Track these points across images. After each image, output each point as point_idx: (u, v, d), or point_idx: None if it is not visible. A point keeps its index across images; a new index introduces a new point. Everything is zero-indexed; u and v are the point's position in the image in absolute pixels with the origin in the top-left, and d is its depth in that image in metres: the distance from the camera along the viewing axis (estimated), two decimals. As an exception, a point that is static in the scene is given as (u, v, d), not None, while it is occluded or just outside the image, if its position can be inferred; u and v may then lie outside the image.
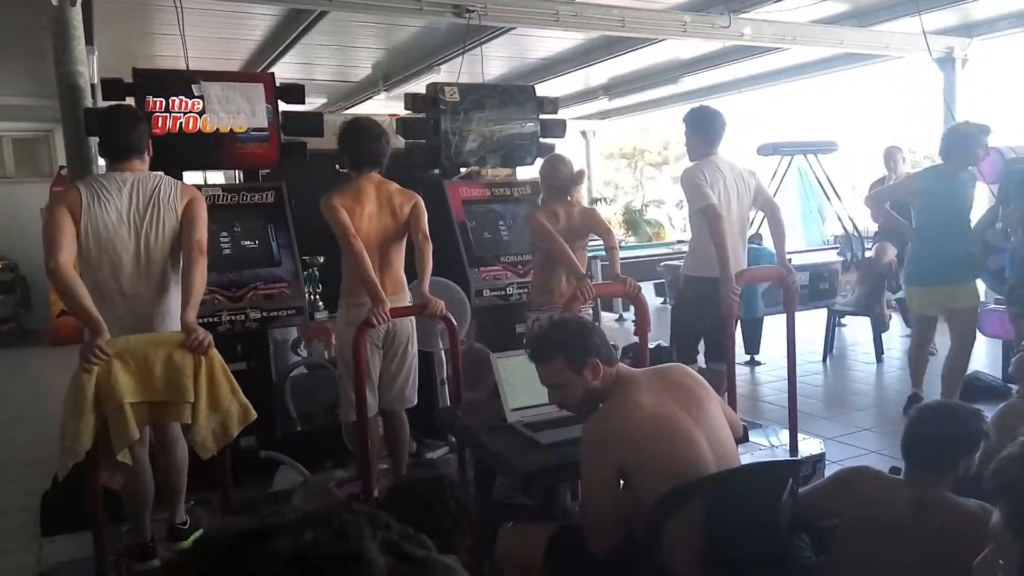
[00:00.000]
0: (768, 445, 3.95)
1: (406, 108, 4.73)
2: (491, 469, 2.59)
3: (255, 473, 3.78)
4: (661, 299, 8.82)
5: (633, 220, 13.48)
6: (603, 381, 2.06)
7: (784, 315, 4.06)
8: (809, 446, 3.85)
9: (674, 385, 2.07)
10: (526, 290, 4.26)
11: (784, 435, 3.95)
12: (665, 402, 2.00)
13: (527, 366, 2.51)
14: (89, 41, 6.36)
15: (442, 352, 4.01)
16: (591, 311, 3.80)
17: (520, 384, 2.57)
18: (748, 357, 6.26)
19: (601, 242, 4.08)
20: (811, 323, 6.41)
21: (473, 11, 5.21)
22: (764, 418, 4.73)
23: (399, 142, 4.73)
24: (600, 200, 13.84)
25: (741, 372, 6.00)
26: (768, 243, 5.63)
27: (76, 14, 4.29)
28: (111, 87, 3.99)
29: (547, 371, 2.11)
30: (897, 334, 6.95)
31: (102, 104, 4.23)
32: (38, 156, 10.07)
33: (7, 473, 4.54)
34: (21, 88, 8.55)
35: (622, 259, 3.88)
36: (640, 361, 3.41)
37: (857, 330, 7.14)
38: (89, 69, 6.87)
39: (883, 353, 6.26)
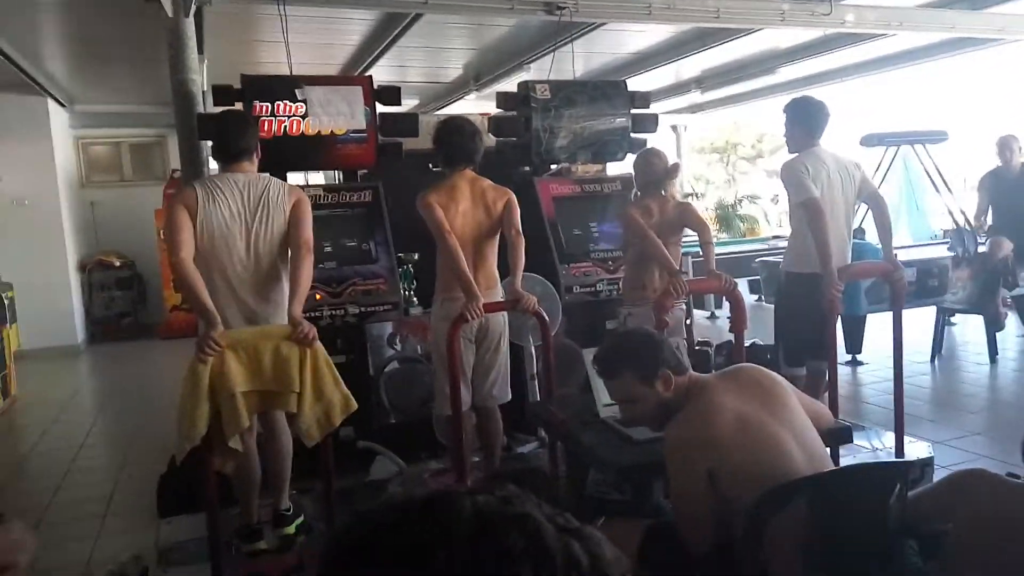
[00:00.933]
0: (871, 448, 3.80)
1: (498, 106, 4.78)
2: (584, 464, 2.60)
3: (353, 463, 3.92)
4: (756, 296, 8.60)
5: (726, 216, 13.17)
6: (675, 392, 2.03)
7: (888, 313, 3.89)
8: (916, 449, 3.68)
9: (751, 385, 2.02)
10: (616, 286, 4.23)
11: (889, 438, 3.80)
12: (745, 403, 1.96)
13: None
14: (200, 50, 6.74)
15: (532, 347, 4.04)
16: (683, 308, 3.74)
17: (613, 380, 2.56)
18: (849, 357, 6.02)
19: (695, 237, 4.00)
20: (918, 322, 6.10)
21: (564, 8, 5.21)
22: (867, 420, 4.54)
23: (491, 141, 4.80)
24: (692, 195, 13.59)
25: (842, 372, 5.76)
26: (872, 237, 5.40)
27: (189, 24, 4.53)
28: (221, 93, 4.20)
29: (616, 386, 2.09)
30: (1013, 333, 6.54)
31: (212, 110, 4.48)
32: (152, 160, 10.70)
33: (126, 457, 4.85)
34: (137, 96, 9.09)
35: (716, 255, 3.81)
36: (736, 359, 3.34)
37: (968, 329, 6.77)
38: (201, 76, 7.34)
39: (997, 354, 5.90)
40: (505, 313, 3.37)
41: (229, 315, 2.80)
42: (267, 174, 3.04)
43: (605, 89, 4.87)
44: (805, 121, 3.81)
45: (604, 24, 6.18)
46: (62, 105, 9.31)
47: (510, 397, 3.49)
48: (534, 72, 7.56)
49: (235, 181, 2.88)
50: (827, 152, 3.78)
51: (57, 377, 7.81)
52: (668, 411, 2.03)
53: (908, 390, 4.15)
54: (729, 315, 3.36)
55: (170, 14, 4.42)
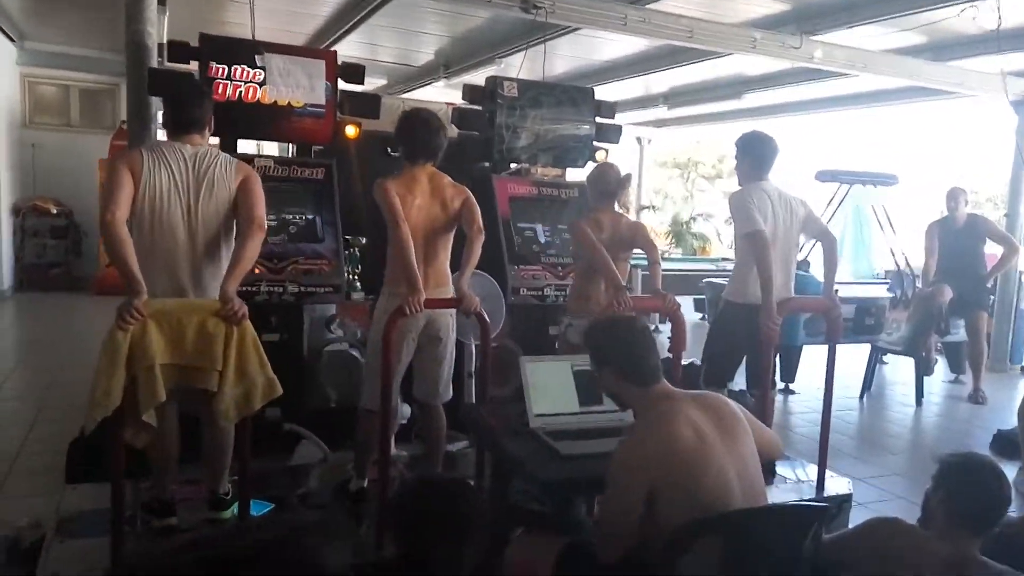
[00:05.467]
0: (795, 479, 3.85)
1: (463, 99, 4.71)
2: (508, 472, 2.56)
3: (277, 444, 3.82)
4: (700, 315, 8.71)
5: (679, 232, 13.32)
6: (634, 389, 2.07)
7: (824, 346, 3.95)
8: (837, 485, 3.74)
9: (712, 413, 2.02)
10: (564, 293, 4.21)
11: (812, 470, 3.85)
12: (703, 430, 1.95)
13: (556, 372, 2.49)
14: (162, 2, 6.51)
15: (473, 345, 3.99)
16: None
17: (546, 390, 2.54)
18: (783, 385, 6.13)
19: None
20: (852, 357, 6.26)
21: (541, 7, 5.17)
22: (793, 449, 4.61)
23: (453, 132, 4.73)
24: (648, 208, 13.71)
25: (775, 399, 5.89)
26: (817, 271, 5.51)
27: (151, -27, 4.35)
28: (177, 50, 4.03)
29: (601, 377, 2.17)
30: (940, 379, 6.75)
31: (168, 66, 4.31)
32: (102, 108, 10.30)
33: (39, 415, 4.64)
34: (91, 41, 8.74)
35: (664, 271, 3.82)
36: (672, 379, 3.34)
37: (899, 370, 6.96)
38: (160, 29, 7.06)
39: (923, 397, 6.08)
40: (454, 312, 3.30)
41: (159, 287, 2.68)
42: (217, 148, 2.93)
43: (572, 94, 4.84)
44: (754, 155, 3.85)
45: (578, 29, 6.16)
46: (11, 40, 8.90)
47: (451, 397, 3.42)
48: (505, 68, 7.50)
49: (183, 151, 2.77)
50: (773, 187, 3.84)
51: (-25, 323, 7.47)
52: (632, 399, 2.09)
53: (835, 424, 4.22)
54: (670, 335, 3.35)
55: (131, -40, 4.23)
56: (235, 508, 3.00)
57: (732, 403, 2.08)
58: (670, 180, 21.32)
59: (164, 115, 2.90)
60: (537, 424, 2.46)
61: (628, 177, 3.76)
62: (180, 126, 2.83)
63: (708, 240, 13.05)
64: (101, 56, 9.13)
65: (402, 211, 3.09)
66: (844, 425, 5.39)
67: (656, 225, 14.92)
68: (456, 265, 3.29)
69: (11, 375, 5.52)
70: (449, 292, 3.21)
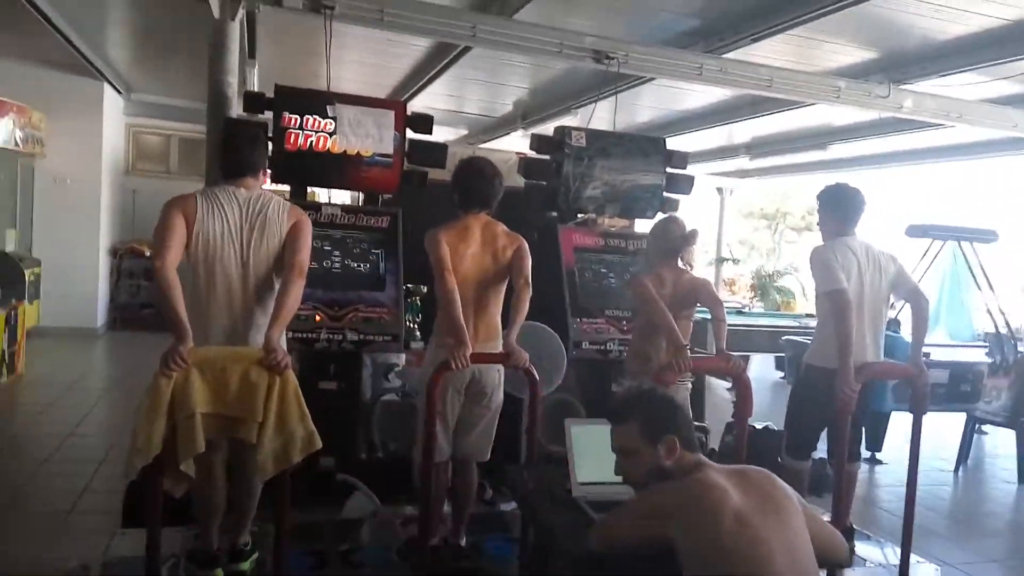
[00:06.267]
0: (874, 563, 3.53)
1: (531, 148, 4.69)
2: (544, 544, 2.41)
3: (329, 495, 3.77)
4: (781, 374, 8.32)
5: (763, 285, 12.86)
6: (676, 463, 1.91)
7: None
8: (923, 572, 3.41)
9: (756, 488, 1.84)
10: (627, 347, 4.05)
11: (895, 553, 3.52)
12: (747, 503, 1.78)
13: (604, 437, 2.33)
14: (251, 54, 6.82)
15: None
16: (688, 386, 3.54)
17: (593, 455, 2.38)
18: (869, 454, 5.72)
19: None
20: (948, 426, 5.79)
21: (613, 58, 5.12)
22: (877, 527, 4.26)
23: (519, 181, 4.69)
24: (728, 260, 13.32)
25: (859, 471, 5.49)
26: (907, 331, 5.14)
27: (234, 28, 4.53)
28: (252, 100, 4.18)
29: (620, 433, 2.01)
30: (1047, 453, 6.17)
31: (244, 115, 4.45)
32: (199, 156, 10.77)
33: (112, 454, 4.74)
34: (190, 92, 9.20)
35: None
36: (739, 445, 3.14)
37: (1000, 441, 6.40)
38: (250, 80, 7.40)
39: (1027, 473, 5.55)
40: (502, 367, 3.20)
41: (213, 330, 2.70)
42: (271, 192, 2.96)
43: (642, 144, 4.75)
44: (839, 209, 3.64)
45: (653, 79, 6.08)
46: (118, 91, 9.49)
47: (488, 458, 3.30)
48: (580, 118, 7.48)
49: (236, 196, 2.79)
50: (860, 242, 3.59)
51: (69, 358, 7.82)
52: (662, 478, 1.92)
53: (925, 500, 3.89)
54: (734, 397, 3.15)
55: (216, 15, 4.42)
56: (253, 560, 2.98)
57: (782, 483, 1.89)
58: (756, 231, 20.75)
59: (219, 159, 2.94)
60: (580, 492, 2.30)
61: (694, 233, 3.59)
62: (234, 170, 2.85)
63: (792, 295, 12.53)
64: (199, 107, 9.60)
65: (450, 262, 3.03)
66: (935, 501, 4.96)
67: (737, 277, 14.50)
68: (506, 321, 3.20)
69: (91, 412, 5.71)
70: (499, 346, 3.10)
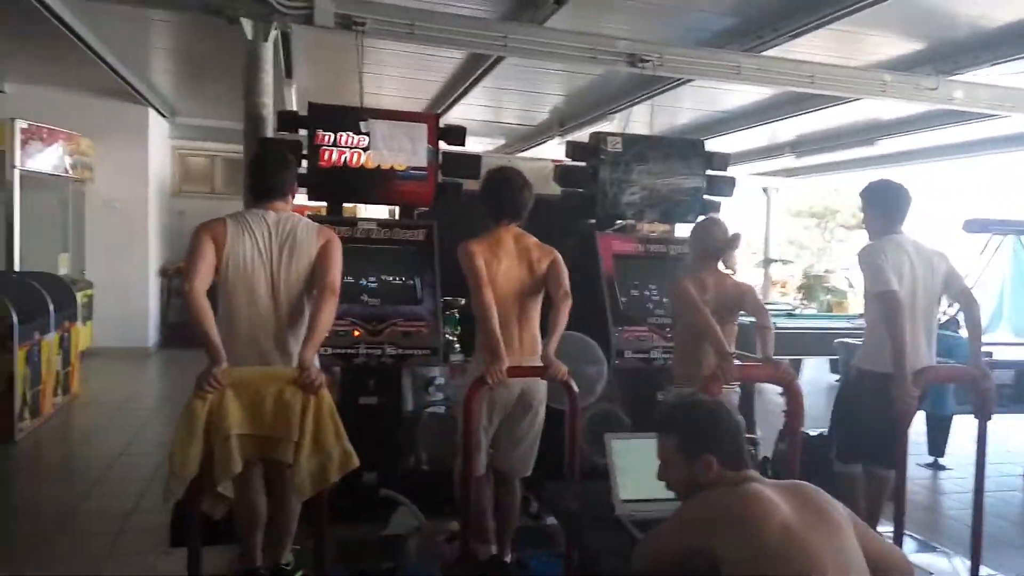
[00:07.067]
0: (943, 574, 3.36)
1: (567, 155, 4.63)
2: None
3: (372, 511, 3.75)
4: (836, 377, 8.07)
5: (811, 286, 12.52)
6: (714, 481, 1.83)
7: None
8: (993, 584, 3.23)
9: (806, 502, 1.75)
10: (672, 355, 3.95)
11: (964, 565, 3.34)
12: (796, 516, 1.69)
13: (647, 451, 2.25)
14: (288, 74, 6.89)
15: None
16: (738, 392, 3.42)
17: (636, 471, 2.30)
18: (931, 460, 5.49)
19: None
20: (1018, 428, 5.52)
21: (648, 61, 5.03)
22: (943, 537, 4.07)
23: (556, 189, 4.63)
24: (776, 261, 13.01)
25: (921, 477, 5.27)
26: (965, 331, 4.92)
27: (267, 49, 4.58)
28: (286, 119, 4.21)
29: (660, 442, 1.96)
30: (1125, 455, 5.84)
31: (279, 134, 4.48)
32: (242, 175, 10.96)
33: (161, 472, 4.76)
34: (233, 113, 9.35)
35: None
36: (791, 458, 3.00)
37: (1073, 443, 6.08)
38: (288, 100, 7.49)
39: (1104, 476, 5.26)
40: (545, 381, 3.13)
41: (244, 351, 2.70)
42: (298, 214, 2.97)
43: (681, 147, 4.64)
44: (885, 206, 3.50)
45: (691, 81, 5.96)
46: (163, 115, 9.71)
47: (530, 473, 3.23)
48: (618, 123, 7.39)
49: (266, 218, 2.81)
50: (909, 240, 3.45)
51: (121, 377, 7.98)
52: (702, 490, 1.86)
53: (995, 507, 3.69)
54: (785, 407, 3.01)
55: (249, 37, 4.47)
56: None
57: (831, 498, 1.79)
58: (806, 230, 20.29)
59: (247, 182, 2.95)
60: (623, 511, 2.22)
61: (737, 237, 3.47)
62: (262, 193, 2.88)
63: (844, 295, 12.15)
64: (240, 127, 9.75)
65: (486, 276, 2.98)
66: (1006, 508, 4.71)
67: (786, 279, 14.17)
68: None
69: (141, 430, 5.80)
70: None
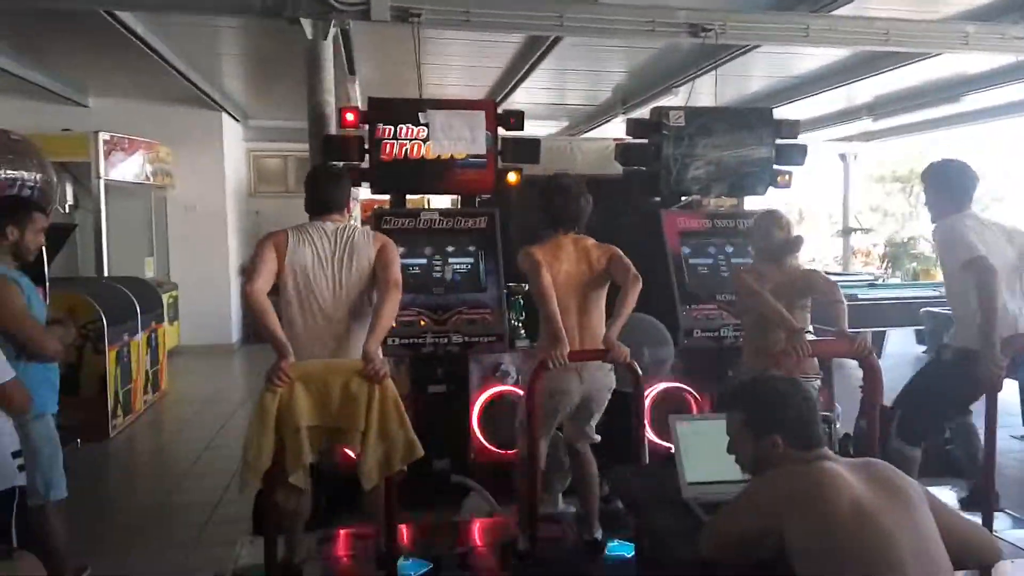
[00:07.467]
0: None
1: (627, 133, 4.54)
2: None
3: (445, 497, 3.80)
4: (923, 349, 7.72)
5: (895, 254, 12.00)
6: (781, 460, 1.78)
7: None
8: (1101, 565, 3.02)
9: (878, 480, 1.68)
10: (742, 333, 3.84)
11: (1066, 545, 3.15)
12: (868, 493, 1.63)
13: (714, 433, 2.19)
14: (351, 71, 6.99)
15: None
16: (819, 375, 3.29)
17: (703, 453, 2.24)
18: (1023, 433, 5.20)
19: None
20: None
21: (711, 30, 4.87)
22: (1042, 515, 3.84)
23: (617, 168, 4.55)
24: (855, 230, 12.48)
25: (1015, 450, 5.01)
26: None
27: (327, 47, 4.64)
28: (347, 116, 4.25)
29: (729, 421, 1.94)
30: None
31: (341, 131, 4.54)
32: (313, 176, 11.26)
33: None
34: (299, 113, 9.55)
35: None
36: (871, 433, 2.88)
37: None
38: (353, 96, 7.60)
39: None
40: (611, 384, 3.11)
41: (309, 354, 2.78)
42: (355, 223, 3.07)
43: (747, 117, 4.50)
44: (950, 188, 3.40)
45: (758, 47, 5.75)
46: (236, 119, 10.01)
47: (598, 439, 3.20)
48: (682, 97, 7.20)
49: (324, 228, 2.98)
50: (980, 217, 3.40)
51: (207, 374, 8.32)
52: (770, 467, 1.82)
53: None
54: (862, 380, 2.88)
55: (309, 36, 4.54)
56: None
57: (905, 475, 1.71)
58: (889, 196, 19.43)
59: (305, 201, 3.13)
60: (690, 494, 2.17)
61: (798, 240, 3.36)
62: (320, 208, 3.06)
63: (931, 262, 11.59)
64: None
65: (550, 283, 3.00)
66: (1112, 482, 4.42)
67: (868, 247, 13.61)
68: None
69: (227, 423, 6.03)
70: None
